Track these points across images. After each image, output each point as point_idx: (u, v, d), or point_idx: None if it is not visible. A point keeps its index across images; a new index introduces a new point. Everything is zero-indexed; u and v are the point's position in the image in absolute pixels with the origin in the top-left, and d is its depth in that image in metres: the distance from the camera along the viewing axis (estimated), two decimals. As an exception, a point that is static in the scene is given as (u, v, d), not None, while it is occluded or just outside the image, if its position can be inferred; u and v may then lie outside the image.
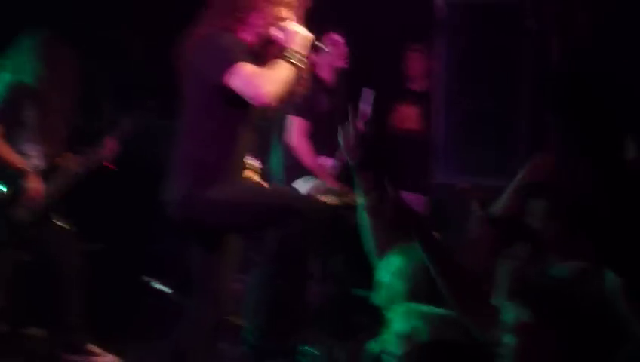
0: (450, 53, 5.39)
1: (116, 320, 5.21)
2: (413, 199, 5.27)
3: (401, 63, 5.94)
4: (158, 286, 5.85)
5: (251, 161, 4.02)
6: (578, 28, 5.44)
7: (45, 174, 4.81)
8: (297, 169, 5.24)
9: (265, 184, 4.16)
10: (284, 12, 3.65)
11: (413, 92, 5.83)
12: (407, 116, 5.80)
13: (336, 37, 5.31)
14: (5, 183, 4.75)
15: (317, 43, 3.69)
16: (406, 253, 3.14)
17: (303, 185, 5.19)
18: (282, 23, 3.61)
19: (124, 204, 5.96)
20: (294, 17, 3.67)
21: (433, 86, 5.61)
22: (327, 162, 5.37)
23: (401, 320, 2.87)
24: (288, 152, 5.29)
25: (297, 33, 3.57)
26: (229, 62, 3.46)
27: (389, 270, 3.12)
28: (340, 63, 5.38)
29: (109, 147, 4.96)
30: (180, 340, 3.86)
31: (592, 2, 5.33)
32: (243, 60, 3.48)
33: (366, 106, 4.62)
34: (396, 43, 5.85)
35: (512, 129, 5.35)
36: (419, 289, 3.01)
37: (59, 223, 4.83)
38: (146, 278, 5.93)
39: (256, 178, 4.10)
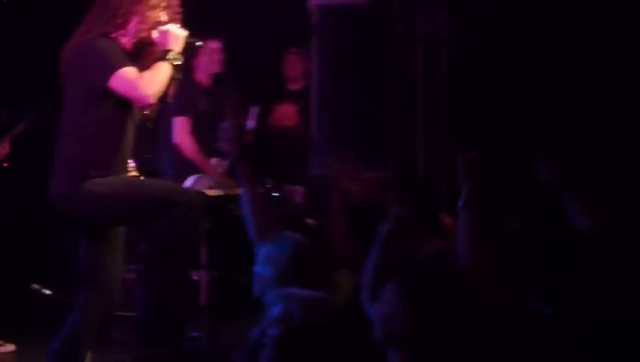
0: (324, 54, 5.61)
1: (10, 317, 5.20)
2: (293, 190, 5.54)
3: (280, 65, 6.11)
4: (38, 287, 5.73)
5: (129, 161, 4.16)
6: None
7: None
8: (185, 166, 5.35)
9: (145, 178, 4.30)
10: (162, 16, 3.76)
11: (291, 92, 6.03)
12: (286, 114, 5.96)
13: (213, 44, 5.45)
14: None
15: (195, 43, 3.87)
16: (275, 242, 3.34)
17: (192, 181, 5.30)
18: (161, 26, 3.72)
19: (17, 202, 5.92)
20: (172, 20, 3.79)
21: (309, 86, 5.80)
22: (213, 160, 5.47)
23: (276, 304, 3.04)
24: (175, 150, 5.39)
25: (176, 35, 3.72)
26: (110, 67, 3.61)
27: (260, 259, 3.29)
28: (215, 69, 5.53)
29: (1, 148, 5.09)
30: (72, 332, 3.88)
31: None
32: (124, 65, 3.63)
33: (251, 122, 4.86)
34: (274, 46, 6.02)
35: (381, 126, 5.55)
36: (287, 275, 3.19)
37: None
38: (31, 283, 5.79)
39: (136, 174, 4.21)
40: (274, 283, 3.22)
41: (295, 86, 6.05)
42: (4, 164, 5.38)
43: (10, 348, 4.88)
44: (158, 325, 4.08)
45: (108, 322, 4.12)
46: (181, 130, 5.39)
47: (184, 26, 3.85)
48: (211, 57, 5.51)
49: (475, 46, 5.56)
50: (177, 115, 5.34)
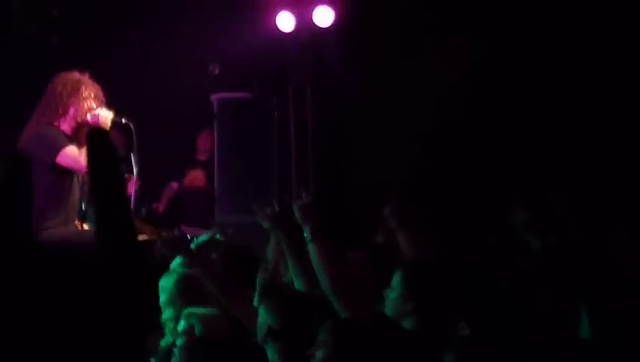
0: (223, 133, 6.58)
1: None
2: (201, 232, 5.68)
3: (193, 141, 6.96)
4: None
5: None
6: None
7: None
8: None
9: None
10: (92, 103, 4.49)
11: (200, 161, 6.94)
12: (196, 177, 6.86)
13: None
14: None
15: (116, 119, 4.51)
16: (167, 275, 3.91)
17: None
18: (92, 111, 4.44)
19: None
20: (100, 105, 4.51)
21: (213, 156, 6.74)
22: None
23: (182, 320, 3.38)
24: None
25: (104, 116, 4.42)
26: (56, 148, 4.32)
27: (160, 290, 3.80)
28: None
29: None
30: None
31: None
32: (65, 145, 4.33)
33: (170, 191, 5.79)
34: (185, 128, 6.99)
35: (266, 183, 6.58)
36: (173, 298, 3.70)
37: None
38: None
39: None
40: (166, 304, 3.71)
41: (203, 157, 6.88)
42: None
43: None
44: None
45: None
46: None
47: (108, 108, 4.51)
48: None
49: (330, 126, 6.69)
50: None
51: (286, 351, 2.75)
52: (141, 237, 5.16)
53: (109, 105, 4.56)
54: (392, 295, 2.75)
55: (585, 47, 6.26)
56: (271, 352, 2.77)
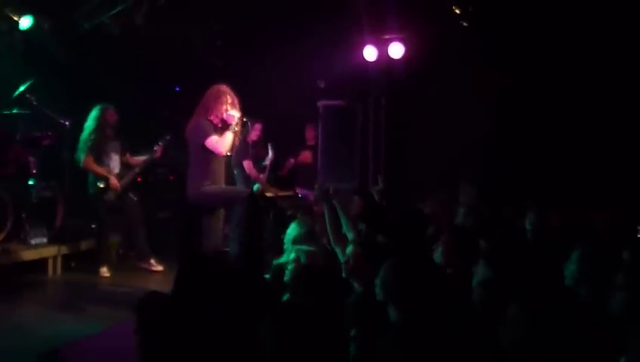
0: (325, 128, 7.26)
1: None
2: (307, 193, 6.53)
3: (302, 132, 7.47)
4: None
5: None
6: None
7: (120, 174, 5.94)
8: (250, 181, 6.32)
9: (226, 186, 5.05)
10: (229, 105, 4.85)
11: (309, 145, 7.44)
12: (306, 156, 7.39)
13: (257, 124, 6.42)
14: (102, 181, 5.86)
15: (244, 120, 4.91)
16: (295, 223, 4.09)
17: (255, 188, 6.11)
18: (228, 111, 4.82)
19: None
20: (234, 107, 4.86)
21: (317, 142, 7.30)
22: (262, 176, 6.40)
23: (292, 253, 3.55)
24: (246, 175, 6.35)
25: (234, 116, 4.81)
26: (206, 135, 4.73)
27: (288, 232, 3.99)
28: (256, 136, 6.56)
29: (158, 153, 6.02)
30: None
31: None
32: (210, 133, 4.71)
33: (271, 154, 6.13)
34: (299, 122, 7.47)
35: (350, 163, 7.11)
36: (297, 239, 3.84)
37: (131, 196, 6.06)
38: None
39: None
40: (291, 242, 3.85)
41: (311, 143, 7.42)
42: (139, 179, 6.17)
43: (161, 268, 6.00)
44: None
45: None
46: (248, 165, 6.33)
47: (239, 110, 4.86)
48: (255, 130, 6.43)
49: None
50: (245, 159, 6.29)
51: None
52: (268, 194, 6.21)
53: (243, 108, 4.95)
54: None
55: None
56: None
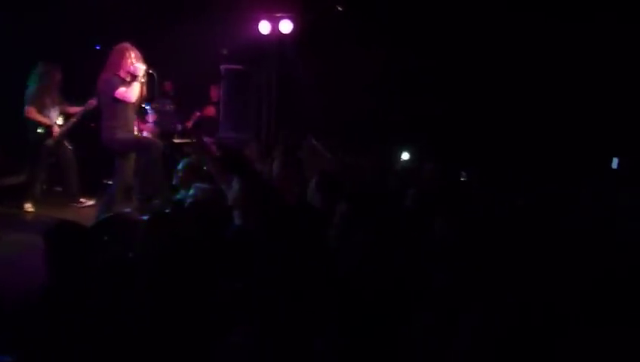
0: (226, 87, 7.07)
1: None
2: (210, 140, 6.50)
3: (208, 90, 7.32)
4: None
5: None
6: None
7: (59, 124, 5.77)
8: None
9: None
10: (134, 59, 4.66)
11: (213, 102, 7.33)
12: (210, 110, 7.33)
13: (167, 83, 6.56)
14: (42, 128, 5.66)
15: (149, 72, 4.72)
16: (185, 161, 4.03)
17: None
18: (134, 64, 4.64)
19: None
20: (139, 60, 4.68)
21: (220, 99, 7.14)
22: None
23: (192, 190, 3.43)
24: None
25: (140, 68, 4.64)
26: (114, 87, 4.56)
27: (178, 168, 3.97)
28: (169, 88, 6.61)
29: (92, 104, 5.59)
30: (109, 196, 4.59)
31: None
32: (119, 86, 4.55)
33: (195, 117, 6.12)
34: (205, 82, 7.29)
35: (246, 117, 7.09)
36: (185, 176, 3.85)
37: (66, 144, 5.90)
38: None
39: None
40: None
41: (215, 99, 7.29)
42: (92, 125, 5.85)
43: (90, 202, 5.88)
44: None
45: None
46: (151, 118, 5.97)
47: (144, 62, 4.67)
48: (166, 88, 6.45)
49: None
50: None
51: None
52: (176, 141, 6.27)
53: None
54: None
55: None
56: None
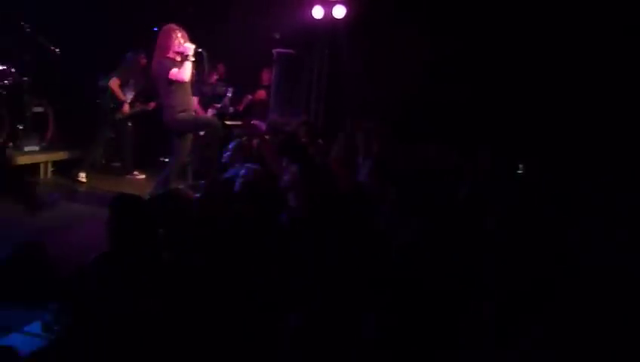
0: (278, 71, 7.01)
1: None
2: (261, 124, 6.56)
3: (260, 74, 7.33)
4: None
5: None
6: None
7: (131, 105, 6.30)
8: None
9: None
10: (181, 39, 4.69)
11: (264, 85, 7.33)
12: (261, 93, 7.33)
13: (220, 65, 6.64)
14: (115, 103, 6.13)
15: (199, 51, 4.72)
16: (234, 143, 4.10)
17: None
18: (184, 44, 4.68)
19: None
20: (186, 40, 4.71)
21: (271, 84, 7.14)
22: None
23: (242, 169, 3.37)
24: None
25: (190, 47, 4.66)
26: (167, 69, 4.63)
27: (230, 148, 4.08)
28: (220, 75, 6.79)
29: (152, 106, 6.24)
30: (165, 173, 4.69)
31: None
32: (172, 67, 4.61)
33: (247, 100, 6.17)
34: (257, 65, 7.35)
35: (297, 101, 7.11)
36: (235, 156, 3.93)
37: (129, 124, 6.39)
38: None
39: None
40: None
41: (266, 83, 7.29)
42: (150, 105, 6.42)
43: (142, 176, 6.33)
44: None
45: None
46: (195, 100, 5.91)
47: (192, 42, 4.68)
48: (219, 70, 6.62)
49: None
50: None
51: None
52: (227, 123, 6.44)
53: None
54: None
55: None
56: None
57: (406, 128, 5.93)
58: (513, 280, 1.93)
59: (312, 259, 2.03)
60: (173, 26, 4.70)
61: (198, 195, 3.10)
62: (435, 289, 1.78)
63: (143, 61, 6.14)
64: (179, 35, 4.64)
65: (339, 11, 6.82)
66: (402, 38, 6.56)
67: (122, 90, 6.20)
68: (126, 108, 6.21)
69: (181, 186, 4.48)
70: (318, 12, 6.87)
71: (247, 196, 2.89)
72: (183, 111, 4.77)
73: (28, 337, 2.01)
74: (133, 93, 6.31)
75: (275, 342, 1.64)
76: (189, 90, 4.84)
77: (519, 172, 4.24)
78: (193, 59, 4.66)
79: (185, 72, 4.64)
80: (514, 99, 6.29)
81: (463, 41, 6.53)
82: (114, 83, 6.08)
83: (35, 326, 2.11)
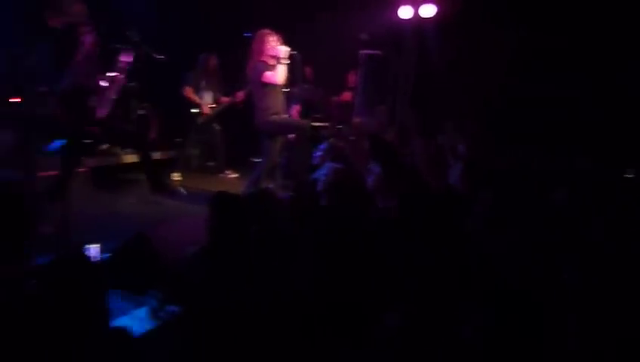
0: (364, 72, 6.90)
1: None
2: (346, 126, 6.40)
3: (346, 75, 7.21)
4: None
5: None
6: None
7: (211, 106, 6.38)
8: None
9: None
10: (275, 42, 4.80)
11: (349, 86, 7.18)
12: (347, 95, 7.17)
13: (307, 69, 6.45)
14: (195, 108, 6.34)
15: (292, 53, 4.78)
16: (326, 144, 4.16)
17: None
18: (277, 47, 4.78)
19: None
20: (279, 43, 4.80)
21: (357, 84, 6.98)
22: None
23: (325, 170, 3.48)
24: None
25: (283, 50, 4.74)
26: (261, 72, 4.73)
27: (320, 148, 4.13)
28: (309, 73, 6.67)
29: (240, 98, 6.33)
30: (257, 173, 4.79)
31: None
32: (265, 70, 4.70)
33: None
34: (344, 67, 7.23)
35: (382, 102, 6.97)
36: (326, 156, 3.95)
37: (215, 125, 6.58)
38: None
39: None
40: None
41: (351, 84, 7.14)
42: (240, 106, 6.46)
43: (235, 175, 6.53)
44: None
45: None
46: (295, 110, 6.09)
47: (285, 45, 4.73)
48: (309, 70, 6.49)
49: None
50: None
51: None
52: (314, 124, 6.16)
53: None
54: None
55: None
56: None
57: (499, 129, 5.90)
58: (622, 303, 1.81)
59: (402, 259, 2.04)
60: (266, 30, 4.82)
61: (288, 195, 3.21)
62: (528, 295, 1.70)
63: (213, 62, 6.37)
64: (272, 38, 4.76)
65: (428, 10, 6.70)
66: (494, 36, 6.50)
67: (198, 95, 6.36)
68: (206, 110, 6.39)
69: (271, 186, 4.61)
70: (405, 12, 6.78)
71: (330, 195, 2.95)
72: (275, 113, 4.87)
73: (137, 320, 2.18)
74: (210, 94, 6.43)
75: (371, 341, 1.66)
76: (280, 93, 4.93)
77: (628, 176, 3.85)
78: (287, 62, 4.74)
79: (278, 75, 4.74)
80: (619, 99, 6.05)
81: (562, 36, 6.31)
82: (187, 91, 6.29)
83: (143, 312, 2.30)
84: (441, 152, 3.96)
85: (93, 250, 2.83)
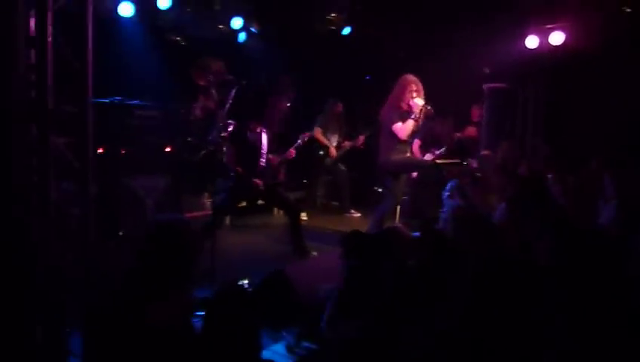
0: (489, 106, 6.80)
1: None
2: (472, 161, 6.19)
3: (470, 112, 7.15)
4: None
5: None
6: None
7: (336, 148, 6.82)
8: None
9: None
10: (415, 93, 4.83)
11: (474, 121, 7.07)
12: (471, 130, 7.08)
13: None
14: (323, 149, 6.66)
15: (427, 107, 4.82)
16: (451, 182, 4.20)
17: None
18: (414, 98, 4.82)
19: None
20: (419, 95, 4.85)
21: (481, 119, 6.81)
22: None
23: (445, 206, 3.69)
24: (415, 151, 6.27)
25: (417, 104, 4.79)
26: (393, 122, 4.78)
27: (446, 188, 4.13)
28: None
29: (359, 142, 6.74)
30: (381, 212, 4.91)
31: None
32: (397, 120, 4.74)
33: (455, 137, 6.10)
34: (467, 101, 7.18)
35: (511, 135, 6.84)
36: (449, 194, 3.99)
37: (340, 165, 6.82)
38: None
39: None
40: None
41: (475, 119, 7.08)
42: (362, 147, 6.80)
43: (358, 214, 6.82)
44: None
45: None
46: (416, 144, 6.31)
47: (423, 98, 4.81)
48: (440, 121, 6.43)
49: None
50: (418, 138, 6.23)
51: None
52: (439, 162, 6.21)
53: (426, 95, 4.89)
54: None
55: None
56: None
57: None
58: None
59: (548, 300, 1.95)
60: (411, 77, 4.80)
61: (415, 234, 3.14)
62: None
63: (339, 108, 6.77)
64: (414, 88, 4.77)
65: (556, 38, 6.50)
66: (630, 62, 5.94)
67: (326, 136, 6.77)
68: (333, 152, 6.76)
69: (397, 224, 4.49)
70: (532, 42, 6.62)
71: (454, 232, 2.91)
72: (399, 153, 4.94)
73: (277, 355, 2.29)
74: (335, 136, 6.82)
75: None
76: (406, 145, 5.02)
77: None
78: (418, 116, 4.74)
79: (405, 130, 4.77)
80: None
81: None
82: (317, 132, 6.62)
83: (280, 347, 2.40)
84: (588, 189, 3.79)
85: (245, 284, 2.97)
